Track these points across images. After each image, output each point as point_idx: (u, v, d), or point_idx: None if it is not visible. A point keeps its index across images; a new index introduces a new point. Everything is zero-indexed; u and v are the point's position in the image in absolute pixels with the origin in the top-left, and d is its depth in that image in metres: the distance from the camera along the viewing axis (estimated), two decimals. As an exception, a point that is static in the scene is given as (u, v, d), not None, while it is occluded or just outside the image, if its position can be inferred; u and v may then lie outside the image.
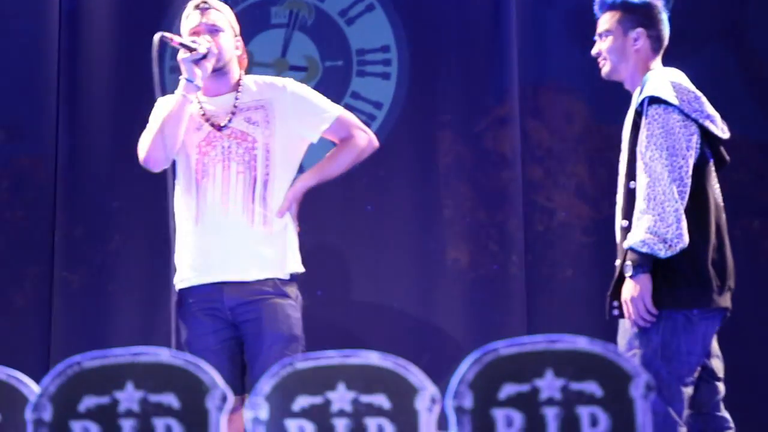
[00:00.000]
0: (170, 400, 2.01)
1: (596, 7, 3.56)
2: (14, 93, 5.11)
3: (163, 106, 3.63)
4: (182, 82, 3.57)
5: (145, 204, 4.98)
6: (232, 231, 3.51)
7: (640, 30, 3.47)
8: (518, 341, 2.07)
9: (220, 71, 3.63)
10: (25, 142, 5.10)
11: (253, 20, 5.16)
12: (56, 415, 1.98)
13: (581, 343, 2.05)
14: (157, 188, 4.85)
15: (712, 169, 3.42)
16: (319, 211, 4.95)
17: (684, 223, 3.24)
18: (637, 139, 3.33)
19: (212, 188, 3.52)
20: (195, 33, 3.63)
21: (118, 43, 5.13)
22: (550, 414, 2.01)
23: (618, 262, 3.39)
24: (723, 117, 3.80)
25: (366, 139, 3.82)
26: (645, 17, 3.49)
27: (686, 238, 3.24)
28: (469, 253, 4.93)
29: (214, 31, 3.66)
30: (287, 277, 3.58)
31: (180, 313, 3.56)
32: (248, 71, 5.11)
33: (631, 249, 3.26)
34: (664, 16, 3.53)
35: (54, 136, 5.07)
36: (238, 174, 3.54)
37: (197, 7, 3.65)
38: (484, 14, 5.07)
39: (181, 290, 3.57)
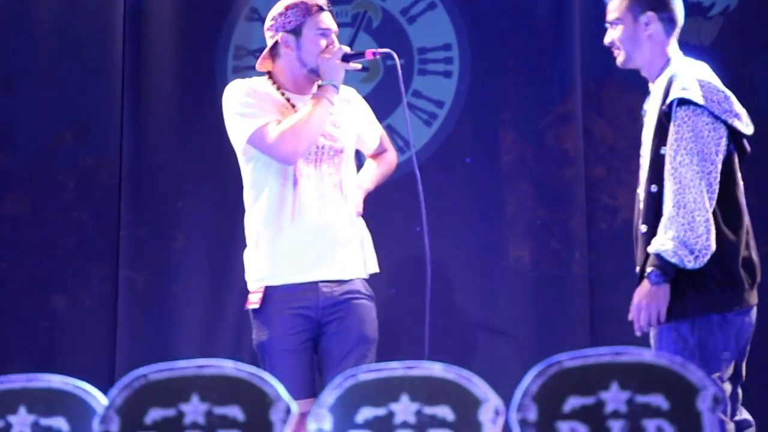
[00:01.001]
0: (235, 412, 2.02)
1: None
2: (79, 94, 5.18)
3: (264, 99, 3.58)
4: (330, 87, 3.56)
5: (209, 203, 5.03)
6: (328, 230, 3.54)
7: (650, 14, 3.35)
8: (582, 353, 2.05)
9: (315, 71, 3.62)
10: (90, 142, 5.16)
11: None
12: (123, 428, 2.00)
13: (647, 355, 2.02)
14: (220, 187, 4.92)
15: (737, 162, 3.34)
16: (383, 207, 4.96)
17: (713, 234, 3.17)
18: (661, 141, 3.25)
19: (308, 187, 3.53)
20: (327, 34, 3.60)
21: (181, 44, 5.17)
22: (616, 427, 1.99)
23: (639, 269, 3.33)
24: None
25: (396, 156, 4.03)
26: (654, 0, 3.37)
27: (713, 248, 3.16)
28: (532, 252, 4.91)
29: (337, 32, 3.69)
30: (368, 276, 3.65)
31: (263, 312, 3.53)
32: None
33: (658, 255, 3.17)
34: None
35: (118, 136, 5.12)
36: (330, 175, 3.58)
37: (323, 8, 3.62)
38: (546, 10, 5.03)
39: (269, 287, 3.54)
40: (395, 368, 2.05)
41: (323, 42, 3.60)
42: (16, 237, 5.14)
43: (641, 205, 3.35)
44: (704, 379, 2.00)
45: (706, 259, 3.17)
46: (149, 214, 5.07)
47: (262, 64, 3.70)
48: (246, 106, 3.54)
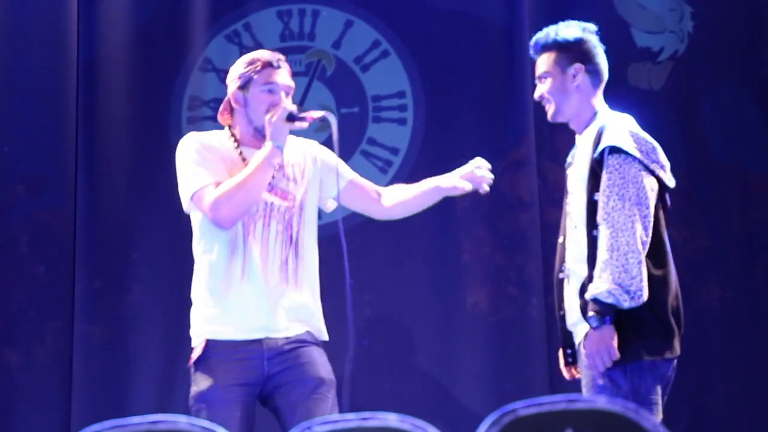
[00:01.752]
0: (189, 468, 2.00)
1: (531, 51, 3.53)
2: (32, 146, 5.14)
3: (221, 156, 3.50)
4: (272, 147, 3.43)
5: (164, 255, 5.00)
6: (274, 290, 3.46)
7: (577, 65, 3.43)
8: (537, 401, 2.05)
9: (261, 131, 3.52)
10: (43, 195, 5.12)
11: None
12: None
13: (601, 402, 2.03)
14: (174, 239, 4.90)
15: (661, 214, 3.39)
16: (337, 258, 4.95)
17: (645, 275, 3.22)
18: (594, 188, 3.30)
19: (256, 246, 3.47)
20: (275, 91, 3.51)
21: (135, 95, 5.16)
22: (572, 474, 1.98)
23: (565, 313, 3.40)
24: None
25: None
26: (581, 53, 3.44)
27: (646, 290, 3.22)
28: (489, 297, 4.92)
29: (290, 90, 3.59)
30: (320, 340, 3.58)
31: (204, 363, 3.45)
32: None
33: (595, 300, 3.22)
34: (601, 50, 3.49)
35: (73, 189, 5.09)
36: (279, 233, 3.49)
37: (273, 65, 3.54)
38: (499, 58, 5.08)
39: (211, 341, 3.45)
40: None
41: (270, 99, 3.51)
42: (-32, 291, 5.09)
43: (569, 253, 3.42)
44: (657, 426, 2.01)
45: (641, 300, 3.21)
46: (104, 267, 5.03)
47: (222, 116, 3.62)
48: (193, 163, 3.47)
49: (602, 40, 3.54)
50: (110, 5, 5.19)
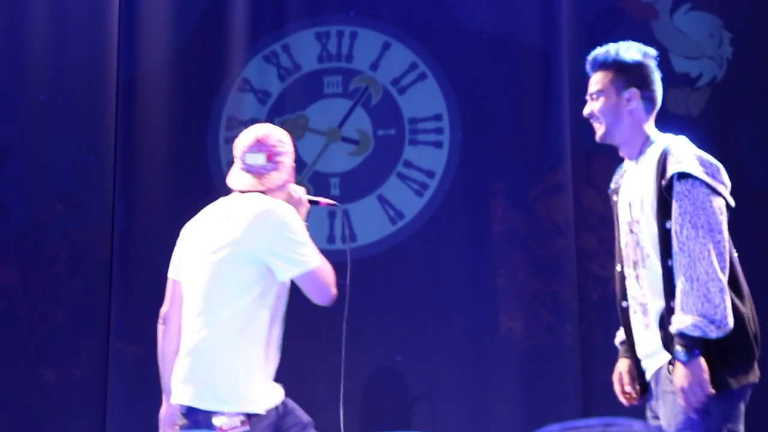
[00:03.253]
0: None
1: (588, 66, 3.46)
2: (71, 165, 5.19)
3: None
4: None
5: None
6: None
7: (633, 90, 3.37)
8: (572, 424, 2.04)
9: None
10: (81, 214, 5.16)
11: (307, 89, 5.22)
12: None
13: (636, 427, 2.02)
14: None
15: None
16: (372, 280, 4.97)
17: (729, 303, 3.15)
18: (665, 216, 3.24)
19: (279, 325, 3.45)
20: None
21: (173, 115, 5.20)
22: (607, 500, 1.97)
23: (633, 342, 3.35)
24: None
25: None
26: (638, 77, 3.38)
27: (731, 317, 3.14)
28: (524, 323, 4.90)
29: None
30: None
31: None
32: (302, 136, 5.20)
33: (681, 334, 3.13)
34: (658, 77, 3.42)
35: (110, 208, 5.12)
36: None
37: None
38: (536, 81, 5.08)
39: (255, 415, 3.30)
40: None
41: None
42: (5, 309, 5.12)
43: (630, 282, 3.36)
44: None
45: (728, 329, 3.13)
46: (140, 285, 5.05)
47: (267, 180, 3.50)
48: (306, 237, 3.40)
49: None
50: (150, 25, 5.24)
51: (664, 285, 3.24)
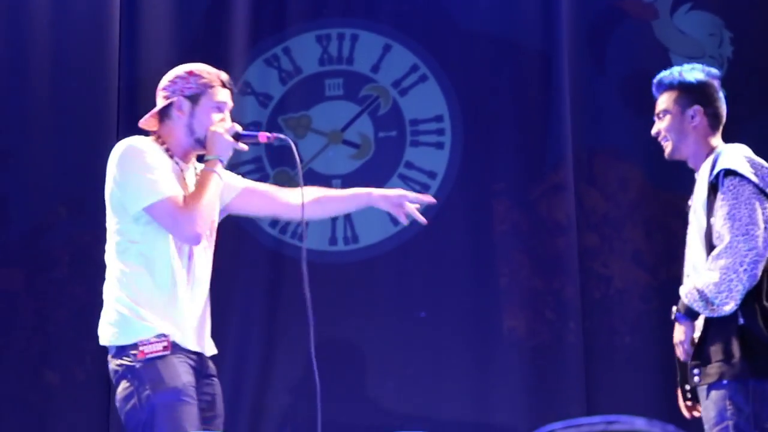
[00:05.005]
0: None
1: (654, 88, 3.61)
2: (74, 169, 5.19)
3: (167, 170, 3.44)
4: (217, 162, 3.44)
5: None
6: (206, 305, 3.48)
7: (697, 107, 3.53)
8: (575, 422, 2.05)
9: (201, 143, 3.51)
10: (84, 217, 5.16)
11: (309, 91, 5.23)
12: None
13: (639, 424, 2.03)
14: (217, 261, 4.92)
15: None
16: (374, 281, 4.98)
17: (736, 294, 3.26)
18: (710, 213, 3.37)
19: (197, 259, 3.45)
20: (223, 109, 3.49)
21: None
22: (609, 496, 1.98)
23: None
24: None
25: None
26: (702, 95, 3.54)
27: (731, 307, 3.26)
28: (526, 322, 4.91)
29: (228, 110, 3.59)
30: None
31: (166, 360, 3.31)
32: (304, 135, 5.22)
33: (682, 297, 3.35)
34: (721, 95, 3.58)
35: (113, 211, 5.12)
36: (206, 249, 3.49)
37: (226, 85, 3.53)
38: (537, 81, 5.09)
39: (173, 342, 3.35)
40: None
41: (217, 116, 3.49)
42: (9, 311, 5.13)
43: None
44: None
45: (723, 312, 3.26)
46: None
47: (147, 122, 3.61)
48: (148, 170, 3.41)
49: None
50: (151, 30, 5.25)
51: None
